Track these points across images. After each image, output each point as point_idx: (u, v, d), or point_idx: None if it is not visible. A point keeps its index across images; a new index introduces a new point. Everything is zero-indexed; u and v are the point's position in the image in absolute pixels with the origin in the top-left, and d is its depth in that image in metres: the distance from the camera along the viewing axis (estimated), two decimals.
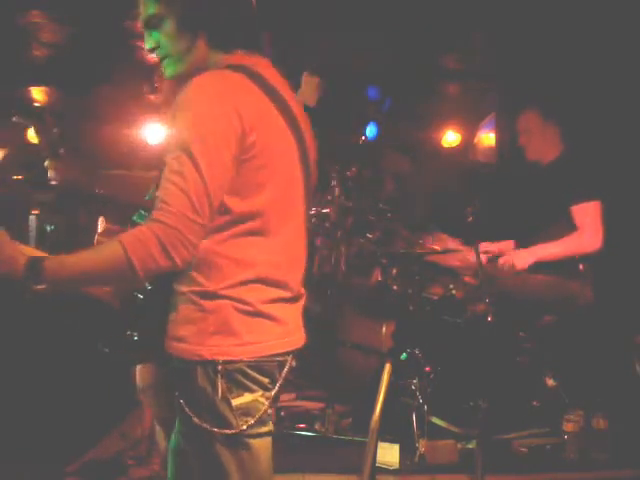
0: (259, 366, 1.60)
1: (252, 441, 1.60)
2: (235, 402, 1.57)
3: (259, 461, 1.63)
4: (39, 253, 1.51)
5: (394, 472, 3.06)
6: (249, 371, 1.58)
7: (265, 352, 1.60)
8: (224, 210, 1.56)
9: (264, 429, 1.63)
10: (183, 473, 1.68)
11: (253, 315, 1.60)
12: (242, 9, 1.70)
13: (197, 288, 1.58)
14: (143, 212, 1.72)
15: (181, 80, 1.66)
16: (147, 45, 1.70)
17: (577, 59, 4.21)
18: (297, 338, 1.71)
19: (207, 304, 1.57)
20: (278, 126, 1.66)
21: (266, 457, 1.66)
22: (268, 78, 1.66)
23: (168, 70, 1.71)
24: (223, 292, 1.57)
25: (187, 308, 1.59)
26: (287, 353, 1.66)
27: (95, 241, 1.77)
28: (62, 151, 2.43)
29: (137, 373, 2.50)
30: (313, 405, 3.71)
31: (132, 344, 1.67)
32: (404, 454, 3.15)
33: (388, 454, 3.11)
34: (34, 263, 1.45)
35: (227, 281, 1.58)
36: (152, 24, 1.67)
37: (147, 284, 1.63)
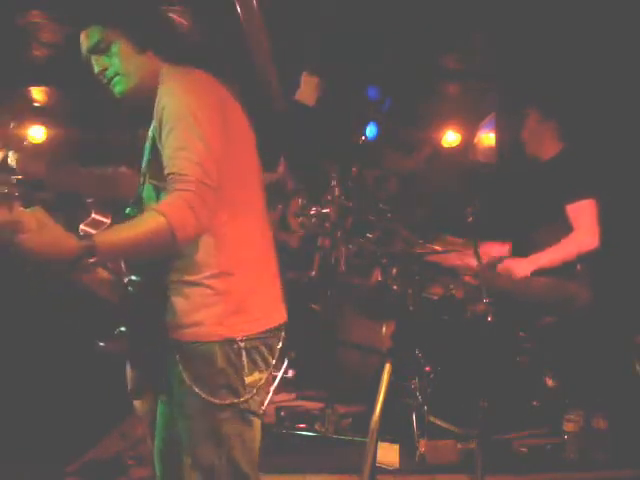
0: (268, 342, 1.74)
1: (253, 419, 1.73)
2: (247, 380, 1.70)
3: (256, 440, 1.77)
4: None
5: (394, 472, 3.06)
6: (262, 348, 1.72)
7: (271, 324, 1.76)
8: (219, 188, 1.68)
9: (261, 409, 1.77)
10: (174, 471, 1.78)
11: (259, 290, 1.74)
12: (186, 26, 1.92)
13: (209, 272, 1.69)
14: (134, 206, 1.78)
15: (133, 95, 1.80)
16: (96, 69, 1.81)
17: (576, 59, 4.21)
18: (284, 311, 1.86)
19: (221, 286, 1.69)
20: (239, 114, 1.83)
21: (259, 438, 1.79)
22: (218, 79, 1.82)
23: (118, 87, 1.81)
24: (233, 271, 1.70)
25: (200, 294, 1.69)
26: (282, 326, 1.81)
27: (80, 231, 1.85)
28: (26, 143, 2.45)
29: (128, 376, 2.47)
30: (313, 405, 3.71)
31: (124, 337, 1.71)
32: (404, 454, 3.15)
33: (388, 454, 3.12)
34: (87, 240, 1.52)
35: (234, 259, 1.70)
36: (99, 49, 1.79)
37: (134, 276, 1.74)
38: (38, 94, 5.41)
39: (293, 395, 3.91)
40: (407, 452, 3.16)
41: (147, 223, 1.56)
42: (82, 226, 2.24)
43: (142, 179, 1.83)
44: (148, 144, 1.78)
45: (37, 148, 2.48)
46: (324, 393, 3.59)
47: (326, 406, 3.44)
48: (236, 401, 1.68)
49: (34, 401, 3.69)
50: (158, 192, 1.73)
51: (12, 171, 2.45)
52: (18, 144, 2.44)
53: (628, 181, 3.96)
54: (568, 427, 3.16)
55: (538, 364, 3.40)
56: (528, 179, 3.78)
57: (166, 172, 1.64)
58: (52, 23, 4.19)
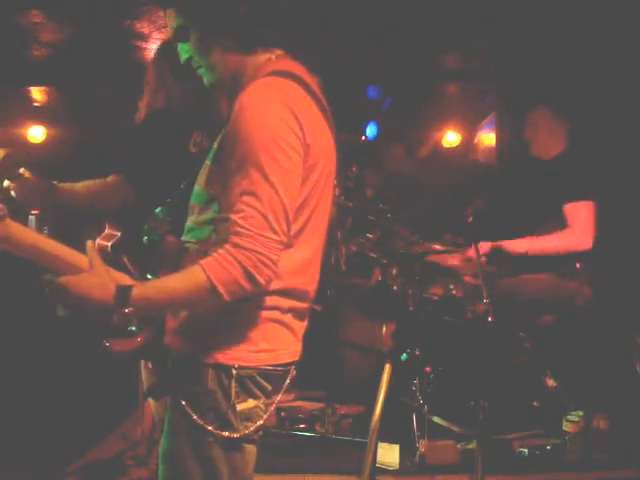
0: (267, 373, 1.60)
1: (246, 446, 1.61)
2: (240, 407, 1.57)
3: (248, 466, 1.63)
4: (125, 278, 1.54)
5: (394, 472, 3.06)
6: (258, 378, 1.58)
7: (276, 361, 1.61)
8: None
9: (257, 435, 1.63)
10: (174, 477, 1.63)
11: (272, 322, 1.59)
12: (264, 9, 1.66)
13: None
14: (165, 207, 1.72)
15: (220, 88, 1.68)
16: (182, 57, 1.70)
17: (576, 59, 4.21)
18: (300, 349, 1.71)
19: (231, 307, 1.54)
20: (326, 139, 1.65)
21: (253, 462, 1.66)
22: (310, 84, 1.64)
23: (205, 79, 1.70)
24: (255, 297, 1.55)
25: (209, 308, 1.56)
26: (292, 363, 1.66)
27: (96, 245, 1.75)
28: (22, 171, 2.43)
29: (144, 376, 2.47)
30: (313, 405, 3.71)
31: (133, 337, 1.66)
32: (404, 454, 3.15)
33: (388, 454, 3.11)
34: (123, 290, 1.47)
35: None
36: (180, 37, 1.68)
37: (150, 275, 1.63)
38: (38, 94, 5.42)
39: (293, 395, 3.90)
40: (407, 452, 3.15)
41: (189, 281, 1.48)
42: (98, 240, 2.23)
43: (187, 179, 1.73)
44: (215, 146, 1.63)
45: (33, 177, 2.46)
46: (324, 393, 3.58)
47: (326, 406, 3.44)
48: (226, 434, 1.55)
49: (35, 402, 3.69)
50: (210, 201, 1.61)
51: (11, 200, 2.44)
52: (13, 173, 2.42)
53: (629, 181, 3.96)
54: (568, 427, 3.16)
55: (538, 364, 3.40)
56: (528, 179, 3.78)
57: (230, 214, 1.50)
58: (52, 23, 4.19)
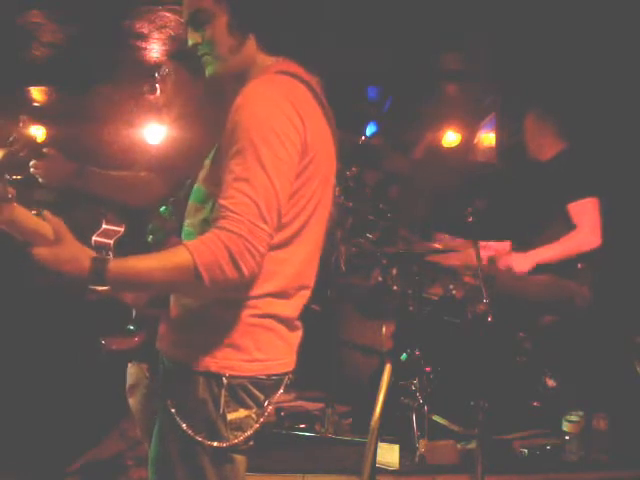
0: (260, 383, 1.56)
1: (236, 456, 1.57)
2: (230, 417, 1.53)
3: (239, 475, 1.60)
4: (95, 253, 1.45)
5: (394, 472, 3.06)
6: (250, 387, 1.55)
7: (270, 371, 1.57)
8: None
9: (248, 445, 1.59)
10: None
11: (266, 330, 1.56)
12: (294, 14, 1.68)
13: (219, 295, 1.52)
14: (169, 206, 1.72)
15: (221, 79, 1.64)
16: (190, 40, 1.64)
17: (577, 59, 4.21)
18: (294, 359, 1.67)
19: (225, 313, 1.52)
20: (326, 139, 1.63)
21: (244, 471, 1.62)
22: (314, 86, 1.63)
23: (209, 69, 1.65)
24: (244, 302, 1.53)
25: (202, 313, 1.54)
26: (285, 373, 1.63)
27: (92, 242, 1.75)
28: (46, 150, 2.41)
29: (128, 373, 2.46)
30: (313, 405, 3.71)
31: (130, 336, 1.66)
32: (404, 454, 3.15)
33: (388, 454, 3.11)
34: (99, 264, 1.39)
35: (251, 292, 1.53)
36: (200, 19, 1.61)
37: None
38: (38, 94, 5.41)
39: (293, 395, 3.90)
40: (407, 452, 3.16)
41: (172, 260, 1.40)
42: (95, 237, 2.20)
43: (191, 179, 1.69)
44: (216, 145, 1.61)
45: (58, 157, 2.44)
46: (324, 393, 3.58)
47: (326, 406, 3.44)
48: (215, 444, 1.51)
49: (34, 401, 3.69)
50: (207, 198, 1.57)
51: (35, 181, 2.43)
52: (37, 151, 2.41)
53: (629, 180, 3.96)
54: (568, 428, 3.16)
55: (538, 364, 3.40)
56: (529, 179, 3.78)
57: (219, 200, 1.45)
58: (52, 23, 4.19)
